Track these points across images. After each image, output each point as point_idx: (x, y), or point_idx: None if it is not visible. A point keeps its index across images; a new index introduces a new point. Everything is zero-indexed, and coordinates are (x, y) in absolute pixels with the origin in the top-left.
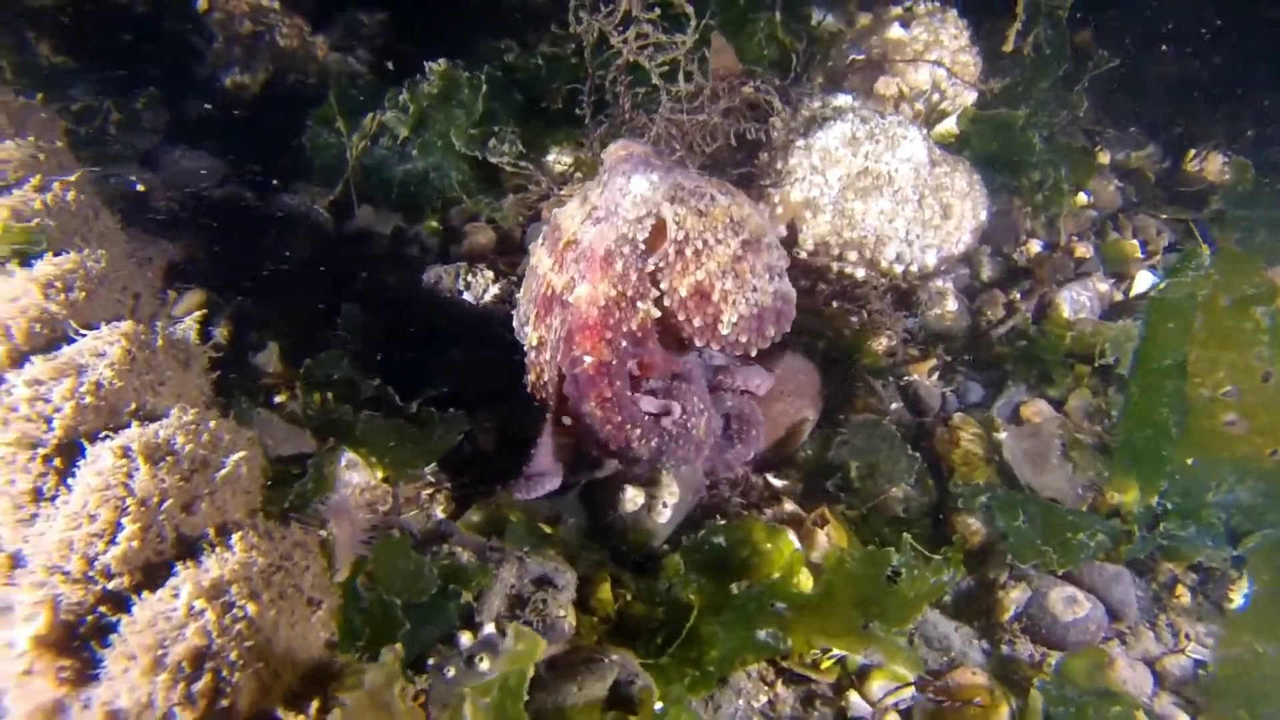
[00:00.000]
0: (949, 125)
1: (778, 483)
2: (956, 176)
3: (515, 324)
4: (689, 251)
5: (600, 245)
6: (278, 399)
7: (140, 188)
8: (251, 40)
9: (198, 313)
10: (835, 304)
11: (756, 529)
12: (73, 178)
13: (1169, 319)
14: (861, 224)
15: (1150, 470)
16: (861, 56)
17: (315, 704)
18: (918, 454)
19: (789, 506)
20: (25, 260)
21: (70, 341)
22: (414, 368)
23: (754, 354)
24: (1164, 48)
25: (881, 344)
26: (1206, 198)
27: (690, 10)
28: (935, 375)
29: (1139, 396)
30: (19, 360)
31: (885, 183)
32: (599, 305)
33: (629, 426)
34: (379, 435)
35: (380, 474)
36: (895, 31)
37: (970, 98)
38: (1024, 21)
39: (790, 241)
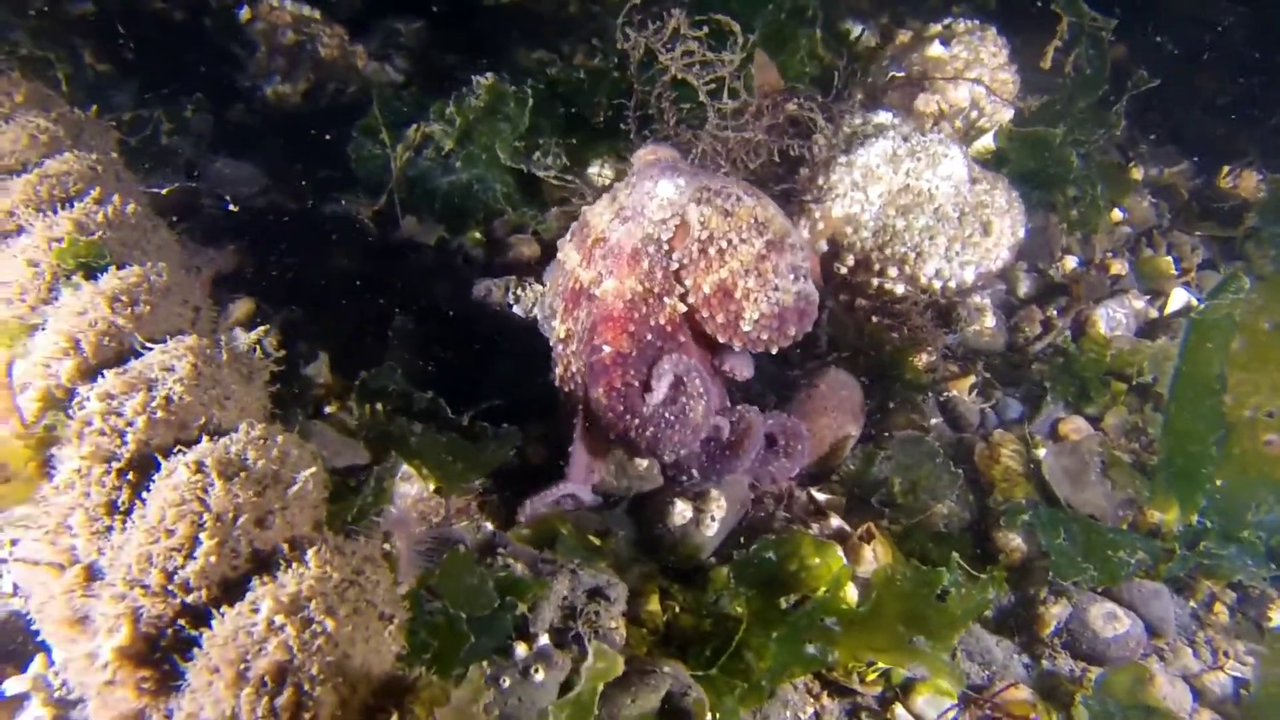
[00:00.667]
0: (986, 142)
1: (821, 497)
2: (996, 194)
3: (540, 317)
4: (713, 250)
5: (628, 243)
6: (328, 409)
7: (233, 207)
8: (294, 50)
9: (260, 330)
10: (875, 319)
11: (805, 543)
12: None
13: (1208, 339)
14: (902, 240)
15: (1190, 489)
16: (902, 74)
17: (395, 717)
18: (960, 470)
19: (835, 521)
20: (90, 273)
21: (136, 355)
22: (465, 380)
23: (774, 351)
24: (1199, 63)
25: (922, 360)
26: (1241, 214)
27: (737, 28)
28: (974, 392)
29: (1178, 415)
30: (89, 374)
31: (926, 200)
32: (625, 299)
33: (629, 417)
34: (433, 448)
35: (433, 485)
36: (935, 49)
37: (1008, 115)
38: (1065, 40)
39: (831, 257)
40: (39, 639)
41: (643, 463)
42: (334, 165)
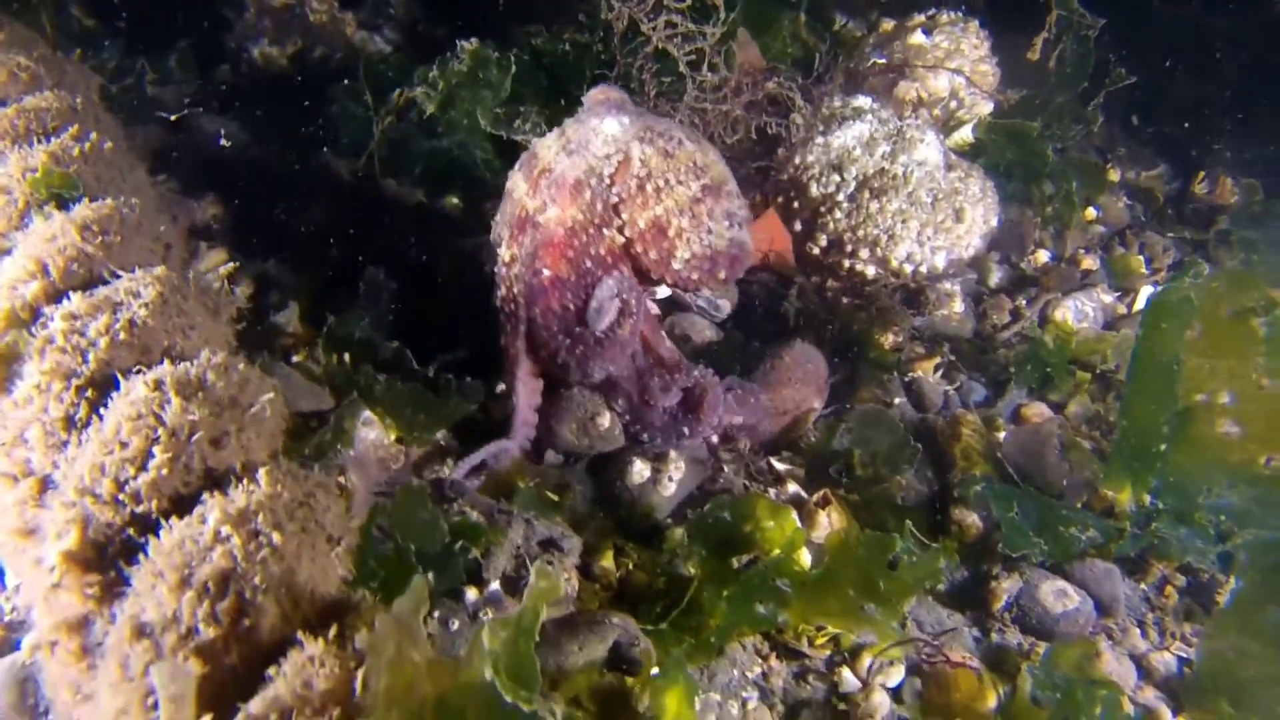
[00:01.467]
0: (965, 133)
1: (781, 466)
2: (971, 182)
3: (491, 240)
4: (650, 188)
5: (571, 174)
6: (296, 358)
7: (225, 143)
8: (283, 13)
9: (227, 266)
10: (846, 300)
11: (761, 505)
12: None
13: (1165, 320)
14: (875, 222)
15: (1143, 469)
16: (883, 60)
17: (334, 629)
18: (919, 444)
19: (792, 488)
20: (63, 204)
21: (105, 284)
22: (435, 334)
23: (704, 292)
24: (1179, 68)
25: (888, 339)
26: (1214, 218)
27: (720, 2)
28: (939, 374)
29: (1134, 395)
30: (56, 297)
31: (900, 183)
32: (565, 227)
33: (561, 336)
34: (397, 398)
35: (394, 435)
36: (917, 38)
37: (987, 108)
38: (1052, 34)
39: (805, 237)
40: None
41: (604, 422)
42: (317, 127)
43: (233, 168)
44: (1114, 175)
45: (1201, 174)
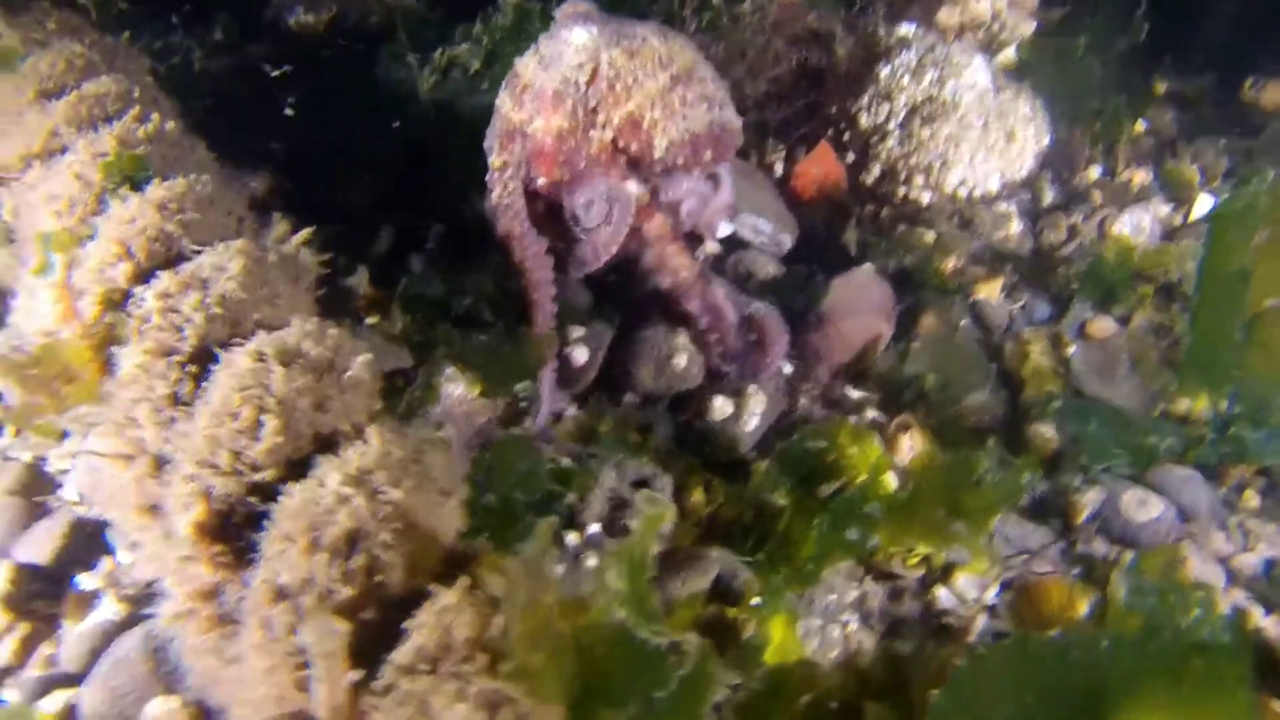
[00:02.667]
0: (1009, 54)
1: (856, 394)
2: (1020, 102)
3: (486, 147)
4: (619, 86)
5: (549, 86)
6: (369, 320)
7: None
8: None
9: (304, 232)
10: (903, 226)
11: (844, 432)
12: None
13: (1231, 229)
14: (927, 149)
15: (1217, 377)
16: None
17: (464, 578)
18: (992, 364)
19: (871, 413)
20: (135, 186)
21: (187, 259)
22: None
23: (696, 173)
24: None
25: (949, 264)
26: (1265, 123)
27: None
28: (1003, 294)
29: (1203, 306)
30: (144, 276)
31: (950, 108)
32: (553, 134)
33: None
34: (476, 351)
35: (478, 389)
36: None
37: (1030, 27)
38: None
39: (858, 167)
40: (106, 540)
41: (680, 361)
42: (359, 92)
43: (282, 138)
44: (1160, 87)
45: (1249, 80)
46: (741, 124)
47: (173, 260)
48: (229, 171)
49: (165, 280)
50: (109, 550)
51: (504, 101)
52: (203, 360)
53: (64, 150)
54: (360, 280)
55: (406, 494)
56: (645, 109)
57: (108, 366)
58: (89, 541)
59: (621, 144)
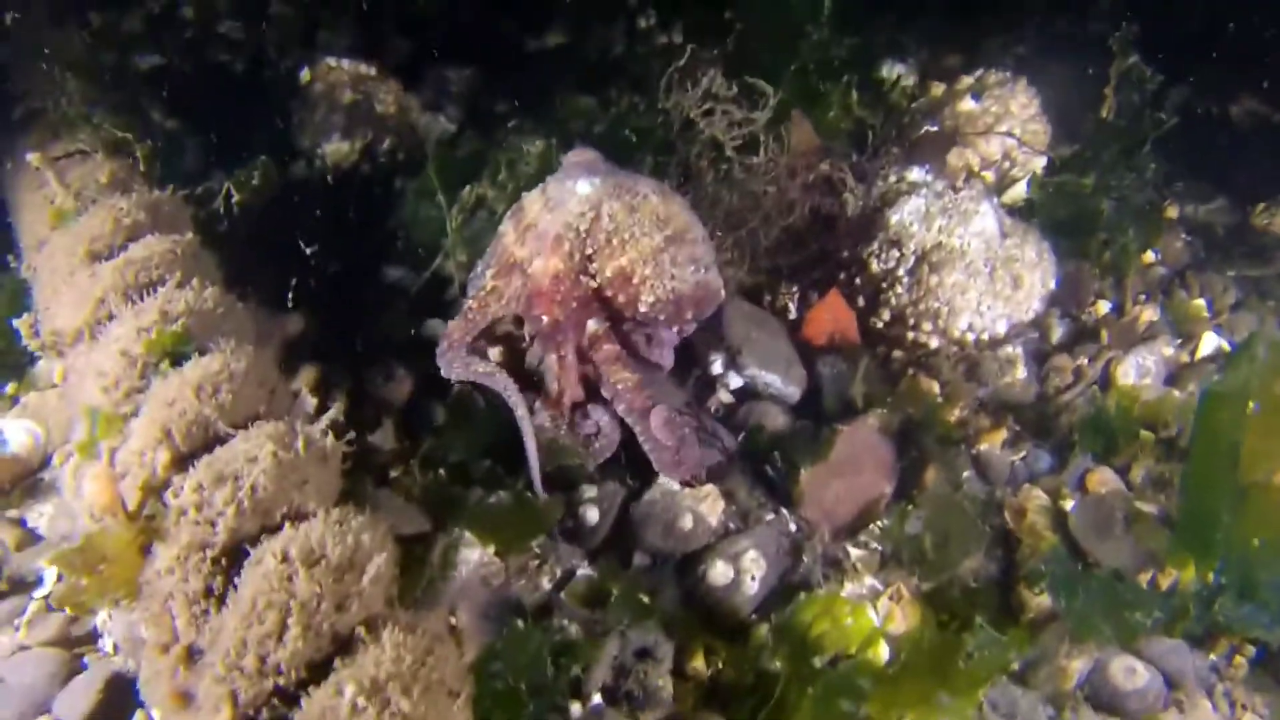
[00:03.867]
0: (1019, 190)
1: (856, 552)
2: (1027, 247)
3: (475, 272)
4: (616, 240)
5: (552, 230)
6: (394, 473)
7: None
8: (352, 109)
9: (334, 410)
10: (911, 372)
11: (839, 605)
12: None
13: (1222, 408)
14: (935, 296)
15: (1205, 551)
16: (934, 128)
17: None
18: (988, 527)
19: (869, 580)
20: (176, 360)
21: (220, 440)
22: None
23: (675, 329)
24: (1237, 98)
25: (954, 414)
26: (1276, 252)
27: (769, 90)
28: (1005, 445)
29: (1193, 480)
30: (182, 462)
31: (958, 256)
32: (550, 276)
33: (564, 394)
34: (492, 514)
35: (493, 548)
36: (967, 104)
37: (1040, 162)
38: (1115, 88)
39: (868, 311)
40: (139, 700)
41: (686, 524)
42: (392, 225)
43: (313, 274)
44: (1172, 212)
45: (1261, 205)
46: (723, 284)
47: (209, 443)
48: (263, 313)
49: (201, 472)
50: (143, 707)
51: (507, 232)
52: (235, 555)
53: (111, 318)
54: (386, 436)
55: (416, 703)
56: (637, 265)
57: (147, 553)
58: (123, 698)
59: (609, 293)
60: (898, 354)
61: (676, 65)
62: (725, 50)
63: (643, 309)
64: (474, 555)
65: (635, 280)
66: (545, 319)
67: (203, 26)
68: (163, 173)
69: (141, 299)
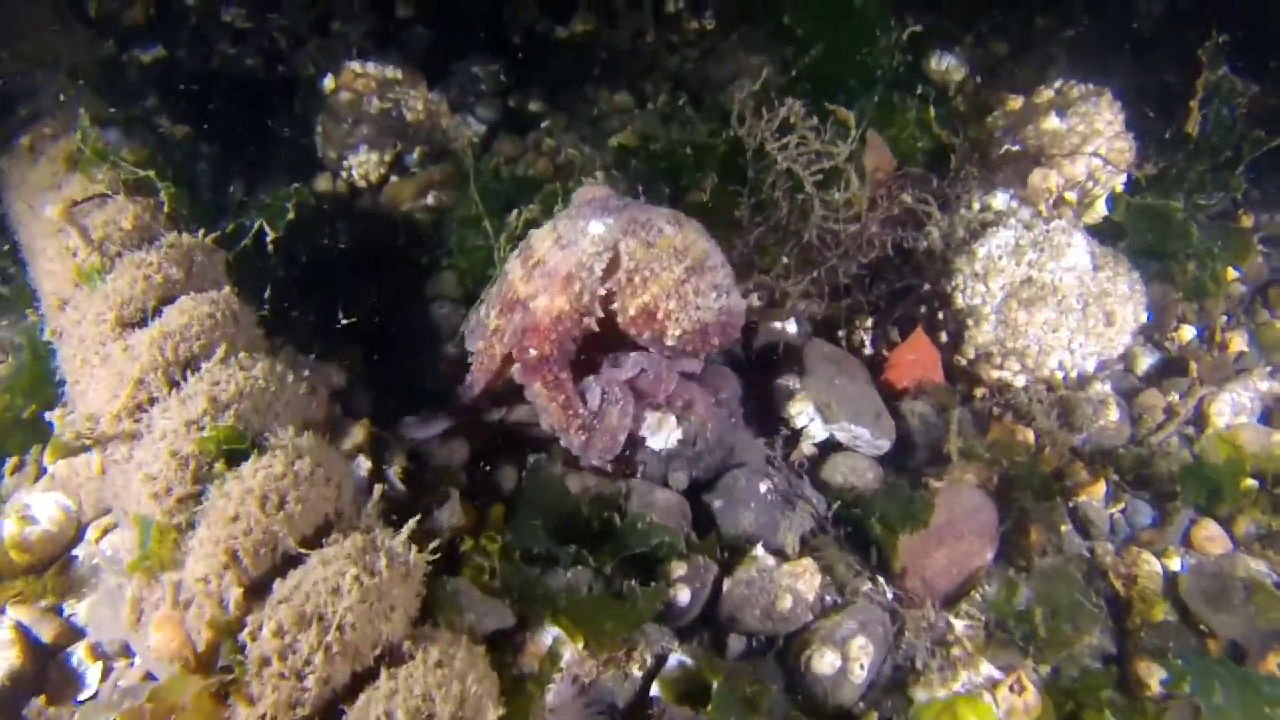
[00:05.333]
0: (1099, 209)
1: (960, 625)
2: (1119, 281)
3: (478, 316)
4: (637, 279)
5: (563, 268)
6: (462, 548)
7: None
8: (380, 119)
9: (409, 526)
10: (997, 413)
11: (961, 706)
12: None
13: None
14: (1025, 334)
15: None
16: (1017, 148)
17: None
18: (1101, 603)
19: (985, 669)
20: (232, 459)
21: (292, 557)
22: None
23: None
24: None
25: (1051, 466)
26: None
27: (851, 119)
28: (1104, 498)
29: None
30: (255, 588)
31: (1050, 292)
32: (551, 315)
33: (563, 399)
34: (583, 608)
35: (580, 642)
36: (1052, 123)
37: (1120, 179)
38: (1200, 103)
39: (952, 348)
40: None
41: (785, 605)
42: (432, 253)
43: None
44: (1247, 220)
45: None
46: (745, 306)
47: (280, 566)
48: (312, 364)
49: (282, 612)
50: None
51: (514, 269)
52: (329, 714)
53: (152, 401)
54: (453, 510)
55: None
56: (660, 300)
57: (224, 701)
58: None
59: (634, 331)
60: (980, 392)
61: (750, 90)
62: (784, 57)
63: (670, 342)
64: (566, 655)
65: (660, 316)
66: (534, 353)
67: (205, 15)
68: (179, 189)
69: (184, 375)
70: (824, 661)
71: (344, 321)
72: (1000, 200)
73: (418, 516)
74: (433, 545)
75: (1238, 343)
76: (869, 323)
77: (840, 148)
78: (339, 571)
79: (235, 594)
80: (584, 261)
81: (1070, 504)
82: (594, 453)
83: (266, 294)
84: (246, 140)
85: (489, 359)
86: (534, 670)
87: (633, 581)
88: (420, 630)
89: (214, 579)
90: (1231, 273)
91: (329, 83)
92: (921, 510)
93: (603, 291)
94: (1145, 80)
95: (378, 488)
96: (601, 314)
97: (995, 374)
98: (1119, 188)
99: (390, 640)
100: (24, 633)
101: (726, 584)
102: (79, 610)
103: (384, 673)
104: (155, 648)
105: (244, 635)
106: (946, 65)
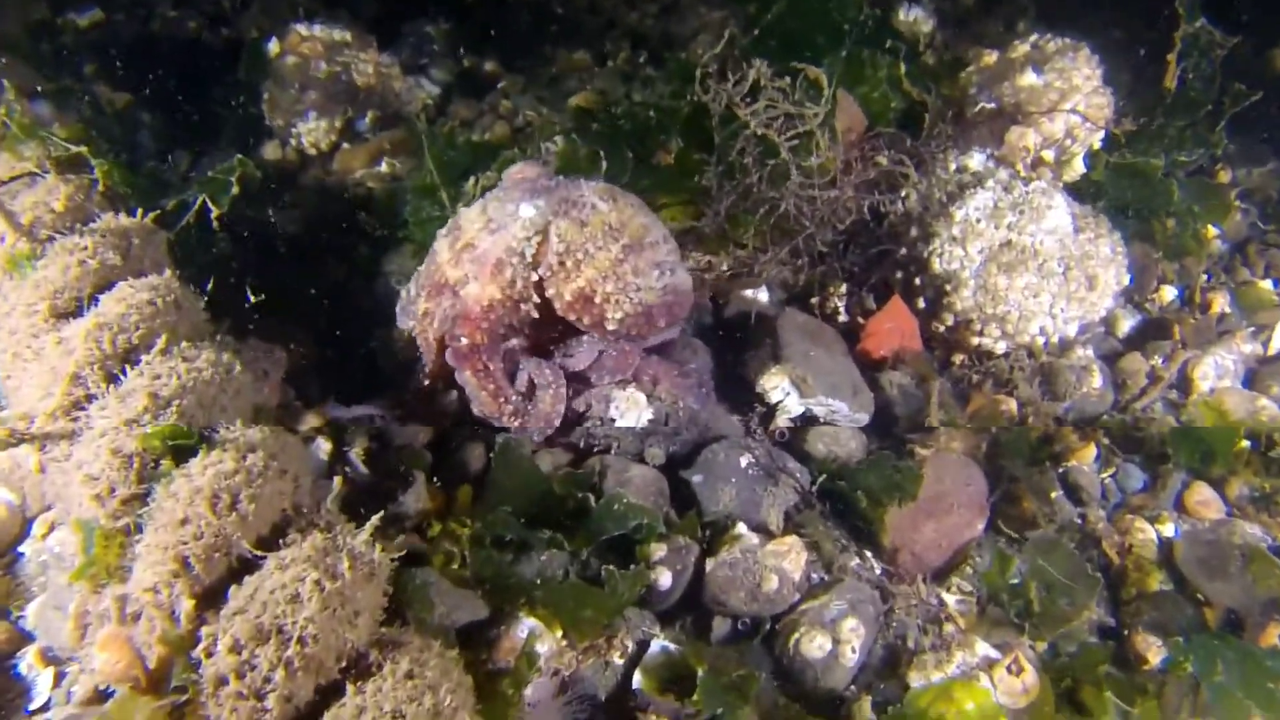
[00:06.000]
0: (1077, 167)
1: (952, 599)
2: (1101, 243)
3: (408, 294)
4: (569, 261)
5: (493, 254)
6: (430, 534)
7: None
8: (329, 83)
9: (372, 522)
10: (976, 380)
11: (957, 690)
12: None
13: None
14: (1005, 299)
15: None
16: (993, 105)
17: None
18: (1099, 574)
19: (981, 649)
20: (179, 455)
21: (247, 559)
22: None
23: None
24: None
25: (1037, 433)
26: None
27: (824, 79)
28: (1095, 462)
29: None
30: (208, 596)
31: (1030, 256)
32: (482, 304)
33: (493, 388)
34: (560, 597)
35: (558, 632)
36: (1028, 79)
37: (1098, 136)
38: (1178, 56)
39: (930, 315)
40: None
41: (771, 585)
42: (386, 226)
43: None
44: (1224, 176)
45: None
46: (691, 283)
47: (235, 571)
48: (257, 345)
49: (238, 626)
50: None
51: (442, 250)
52: None
53: (90, 398)
54: (418, 493)
55: None
56: (597, 284)
57: None
58: None
59: (572, 317)
60: (958, 359)
61: (713, 52)
62: (747, 13)
63: (611, 327)
64: (544, 649)
65: (598, 300)
66: (464, 341)
67: None
68: (118, 159)
69: (123, 369)
70: (813, 645)
71: (295, 300)
72: (977, 160)
73: (380, 514)
74: (398, 542)
75: (1219, 303)
76: (843, 289)
77: (812, 109)
78: (297, 577)
79: (187, 605)
80: (514, 247)
81: (1060, 469)
82: (531, 435)
83: (211, 276)
84: (191, 108)
85: (423, 343)
86: (510, 666)
87: (611, 566)
88: (388, 634)
89: (163, 589)
90: (1212, 230)
91: (274, 46)
92: (909, 482)
93: (535, 277)
94: (1119, 33)
95: (337, 480)
96: (539, 299)
97: (975, 340)
98: (1097, 145)
99: (356, 648)
100: None
101: (709, 565)
102: (27, 612)
103: (350, 688)
104: (101, 670)
105: (198, 651)
106: (915, 17)
